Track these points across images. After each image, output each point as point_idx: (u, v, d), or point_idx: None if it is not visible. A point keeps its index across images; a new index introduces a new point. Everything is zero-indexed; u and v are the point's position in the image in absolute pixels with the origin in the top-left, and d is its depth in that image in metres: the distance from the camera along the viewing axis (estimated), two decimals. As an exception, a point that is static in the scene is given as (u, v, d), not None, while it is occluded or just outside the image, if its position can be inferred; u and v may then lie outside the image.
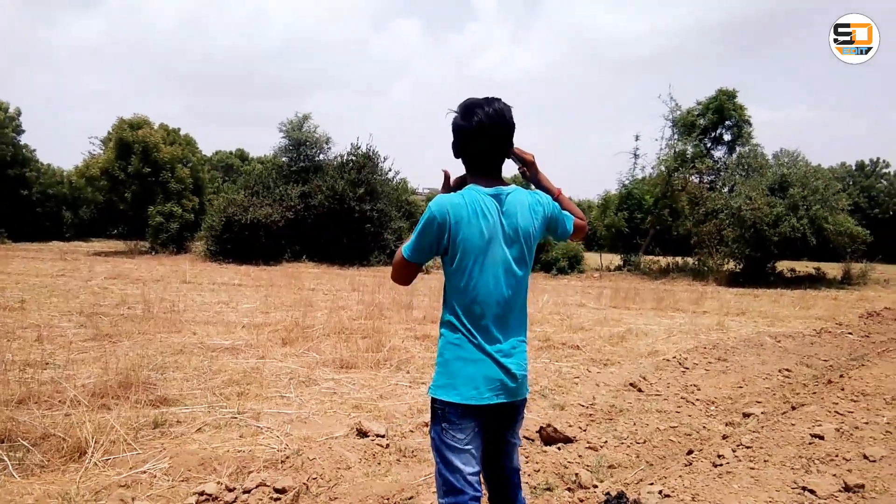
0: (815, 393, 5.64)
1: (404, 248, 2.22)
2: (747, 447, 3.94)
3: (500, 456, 2.32)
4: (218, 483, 3.42)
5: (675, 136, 25.47)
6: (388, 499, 3.38)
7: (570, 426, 4.64)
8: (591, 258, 28.44)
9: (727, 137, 25.91)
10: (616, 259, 27.91)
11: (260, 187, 24.94)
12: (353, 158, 25.49)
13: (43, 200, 36.00)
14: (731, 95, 25.04)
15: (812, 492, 3.21)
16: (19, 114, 34.85)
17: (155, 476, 3.59)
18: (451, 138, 2.29)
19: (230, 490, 3.36)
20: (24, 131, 35.33)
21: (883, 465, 3.62)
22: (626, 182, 28.35)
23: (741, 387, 6.07)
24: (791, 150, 23.51)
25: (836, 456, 3.73)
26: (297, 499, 3.34)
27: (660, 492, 3.25)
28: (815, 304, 14.69)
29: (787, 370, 6.70)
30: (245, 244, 22.84)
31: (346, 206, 23.59)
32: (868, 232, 21.53)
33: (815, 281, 21.36)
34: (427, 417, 3.88)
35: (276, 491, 3.37)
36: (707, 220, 22.51)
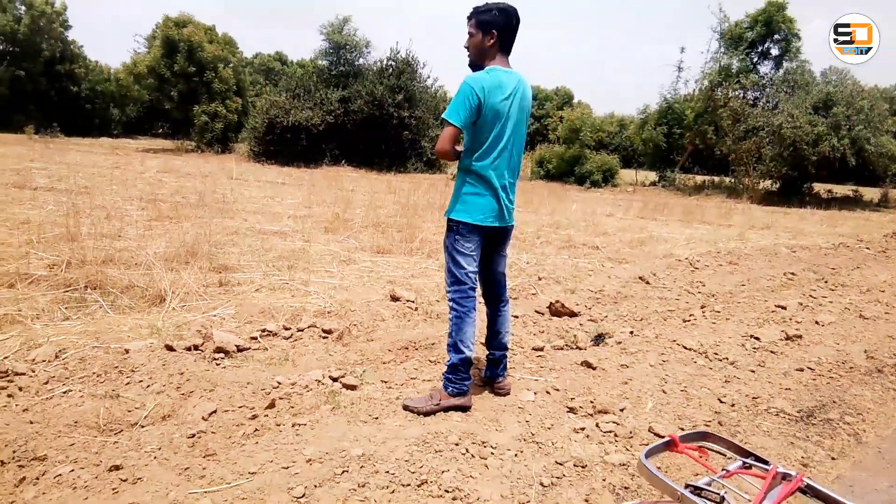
0: (803, 286, 6.14)
1: (448, 117, 2.97)
2: (717, 312, 4.57)
3: (493, 262, 3.36)
4: (277, 324, 4.16)
5: (722, 50, 24.84)
6: (414, 342, 4.08)
7: (577, 305, 5.26)
8: (627, 174, 28.48)
9: (774, 52, 25.14)
10: (651, 175, 27.89)
11: (301, 90, 25.25)
12: (393, 64, 25.50)
13: (91, 97, 36.89)
14: (780, 7, 24.07)
15: (757, 338, 3.91)
16: (65, 8, 35.18)
17: (224, 319, 4.34)
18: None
19: (287, 329, 4.10)
20: (71, 27, 35.80)
21: (827, 328, 4.25)
22: (668, 96, 27.90)
23: (743, 284, 6.59)
24: (840, 67, 22.78)
25: (790, 319, 4.39)
26: (341, 337, 4.06)
27: (630, 332, 3.93)
28: (844, 223, 14.87)
29: (792, 273, 7.18)
30: (287, 146, 23.45)
31: (384, 113, 23.87)
32: (911, 154, 21.10)
33: (852, 203, 21.29)
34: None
35: (324, 331, 4.10)
36: (747, 137, 22.27)
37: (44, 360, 3.34)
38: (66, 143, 25.35)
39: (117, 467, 2.42)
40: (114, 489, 2.30)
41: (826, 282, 6.05)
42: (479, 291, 3.29)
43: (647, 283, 6.42)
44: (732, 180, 23.82)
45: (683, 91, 27.65)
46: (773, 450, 2.97)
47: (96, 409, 2.86)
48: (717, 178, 25.08)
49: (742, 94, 24.63)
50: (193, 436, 2.70)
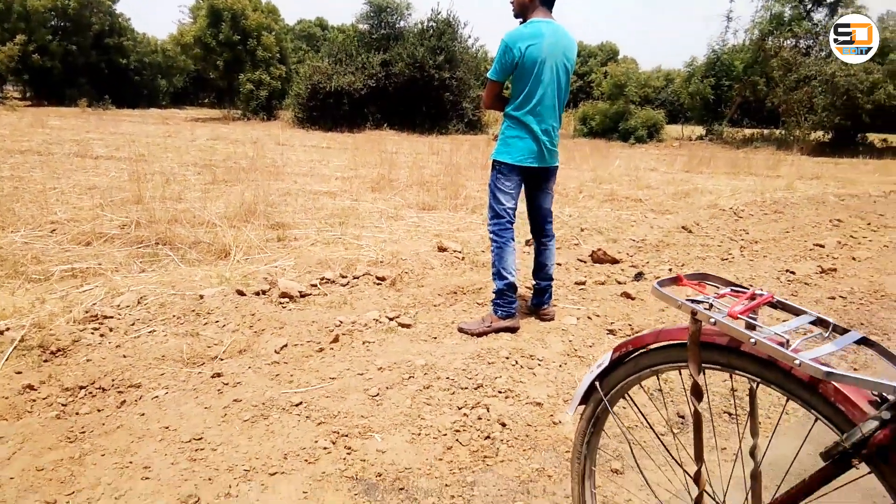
0: (846, 231, 6.15)
1: (490, 74, 3.37)
2: (755, 250, 4.68)
3: (538, 199, 3.66)
4: (333, 273, 4.44)
5: (773, -3, 23.91)
6: (462, 287, 4.32)
7: (618, 253, 5.40)
8: (673, 130, 27.93)
9: (828, -2, 24.10)
10: (698, 130, 27.28)
11: (342, 55, 25.38)
12: (434, 25, 25.37)
13: (140, 69, 37.77)
14: (836, -52, 23.03)
15: (792, 272, 4.04)
16: (112, -18, 35.92)
17: (285, 269, 4.64)
18: None
19: (343, 277, 4.37)
20: (118, 0, 36.55)
21: (864, 263, 4.34)
22: (716, 47, 27.07)
23: (787, 231, 6.60)
24: (900, 11, 21.74)
25: (827, 256, 4.47)
26: (393, 283, 4.32)
27: (669, 269, 4.09)
28: (898, 172, 14.44)
29: (838, 220, 7.14)
30: (330, 111, 23.74)
31: (425, 75, 23.87)
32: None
33: (908, 152, 20.53)
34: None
35: (378, 278, 4.37)
36: (798, 87, 21.56)
37: (128, 306, 3.68)
38: (117, 115, 26.15)
39: (219, 374, 2.88)
40: (218, 390, 2.75)
41: (869, 224, 6.06)
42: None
43: (690, 231, 6.49)
44: (783, 132, 23.13)
45: (732, 42, 26.85)
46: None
47: (179, 346, 3.18)
48: (766, 131, 24.39)
49: (794, 43, 23.73)
50: (276, 376, 3.01)
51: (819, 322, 1.10)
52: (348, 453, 2.25)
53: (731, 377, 1.17)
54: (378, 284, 4.33)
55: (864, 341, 1.04)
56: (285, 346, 3.21)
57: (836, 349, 1.00)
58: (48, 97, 32.75)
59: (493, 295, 3.54)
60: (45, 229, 5.47)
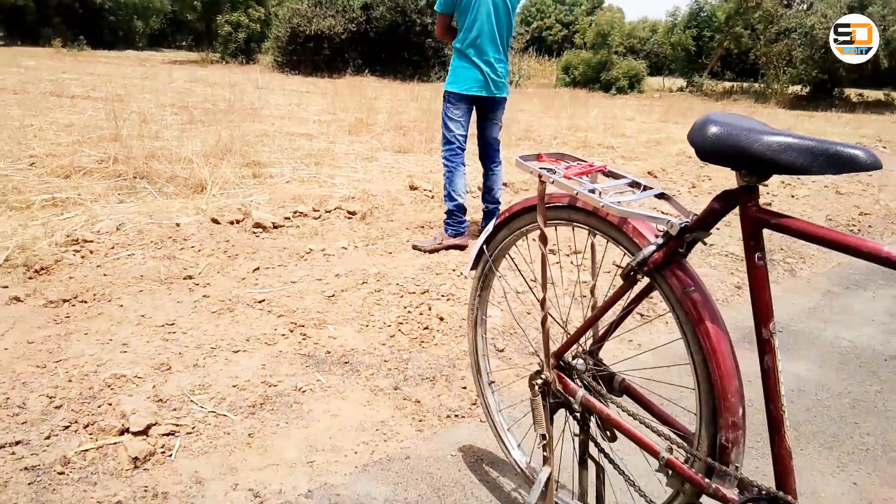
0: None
1: (437, 7, 3.71)
2: (703, 189, 4.99)
3: (486, 129, 4.03)
4: (307, 207, 4.62)
5: (757, -56, 23.66)
6: (429, 222, 4.54)
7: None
8: (655, 82, 27.92)
9: (812, -53, 23.90)
10: (680, 82, 27.31)
11: (323, -2, 24.90)
12: (416, -33, 24.87)
13: (115, 9, 36.74)
14: None
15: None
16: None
17: (259, 203, 4.81)
18: None
19: (315, 211, 4.56)
20: (91, -65, 35.26)
21: (801, 200, 4.77)
22: (699, -5, 26.89)
23: (748, 179, 6.87)
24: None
25: (768, 194, 4.97)
26: (364, 217, 4.53)
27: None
28: (870, 125, 14.71)
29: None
30: (310, 56, 23.38)
31: (407, 19, 23.52)
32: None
33: (882, 106, 20.79)
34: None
35: (349, 213, 4.57)
36: (778, 40, 21.60)
37: (107, 232, 3.85)
38: (93, 56, 25.57)
39: (190, 277, 3.20)
40: (189, 289, 3.09)
41: None
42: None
43: (655, 177, 6.72)
44: (762, 85, 23.27)
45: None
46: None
47: (157, 267, 3.37)
48: (745, 84, 24.51)
49: (776, -7, 23.66)
50: (242, 279, 3.26)
51: (634, 184, 1.37)
52: (303, 338, 2.60)
53: (573, 230, 1.48)
54: (349, 218, 4.53)
55: (662, 195, 1.31)
56: (258, 268, 3.42)
57: (636, 199, 1.29)
58: (21, 37, 31.83)
59: (445, 216, 3.92)
60: (24, 162, 5.56)
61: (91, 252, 3.55)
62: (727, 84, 25.47)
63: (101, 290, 3.05)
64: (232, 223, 4.09)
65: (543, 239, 1.44)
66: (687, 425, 1.30)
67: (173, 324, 2.72)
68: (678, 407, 1.56)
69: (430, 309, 2.95)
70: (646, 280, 1.28)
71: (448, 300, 3.10)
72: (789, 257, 4.24)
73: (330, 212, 4.57)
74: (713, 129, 1.08)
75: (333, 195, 5.08)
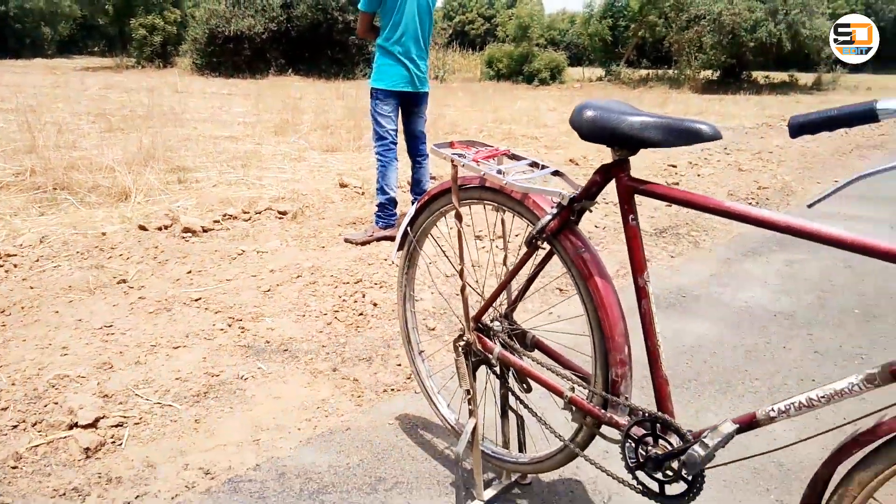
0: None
1: (360, 5, 3.84)
2: None
3: (412, 123, 4.23)
4: (236, 209, 4.66)
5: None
6: (361, 218, 4.65)
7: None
8: (576, 72, 28.64)
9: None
10: (599, 71, 28.13)
11: (240, -2, 24.39)
12: (336, -37, 24.68)
13: (20, 16, 34.89)
14: None
15: None
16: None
17: (187, 208, 4.81)
18: None
19: (245, 213, 4.61)
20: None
21: (706, 178, 5.10)
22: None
23: (658, 159, 7.27)
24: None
25: (676, 173, 5.28)
26: (295, 217, 4.60)
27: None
28: (775, 106, 15.62)
29: (707, 148, 7.89)
30: (230, 57, 22.90)
31: (329, 17, 23.35)
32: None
33: (787, 87, 22.09)
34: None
35: (280, 213, 4.63)
36: (689, 27, 22.57)
37: (30, 245, 3.81)
38: (-3, 65, 24.31)
39: (124, 280, 3.26)
40: (124, 292, 3.14)
41: (725, 148, 6.90)
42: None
43: (577, 164, 7.03)
44: (675, 72, 24.25)
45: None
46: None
47: (85, 278, 3.37)
48: (660, 71, 25.48)
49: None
50: (177, 280, 3.31)
51: (533, 164, 1.56)
52: (242, 331, 2.70)
53: (484, 208, 1.64)
54: (280, 218, 4.59)
55: (556, 173, 1.51)
56: (189, 272, 3.46)
57: (535, 176, 1.49)
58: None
59: (376, 207, 4.08)
60: (-68, 179, 5.36)
61: (15, 266, 3.50)
62: (643, 72, 26.39)
63: (29, 304, 3.04)
64: (160, 229, 4.10)
65: (458, 217, 1.61)
66: (587, 368, 1.50)
67: (111, 326, 2.78)
68: (583, 355, 1.76)
69: (364, 296, 3.10)
70: (547, 247, 1.47)
71: (381, 287, 3.26)
72: (693, 231, 4.60)
73: (260, 213, 4.62)
74: (588, 113, 1.28)
75: (263, 196, 5.13)
